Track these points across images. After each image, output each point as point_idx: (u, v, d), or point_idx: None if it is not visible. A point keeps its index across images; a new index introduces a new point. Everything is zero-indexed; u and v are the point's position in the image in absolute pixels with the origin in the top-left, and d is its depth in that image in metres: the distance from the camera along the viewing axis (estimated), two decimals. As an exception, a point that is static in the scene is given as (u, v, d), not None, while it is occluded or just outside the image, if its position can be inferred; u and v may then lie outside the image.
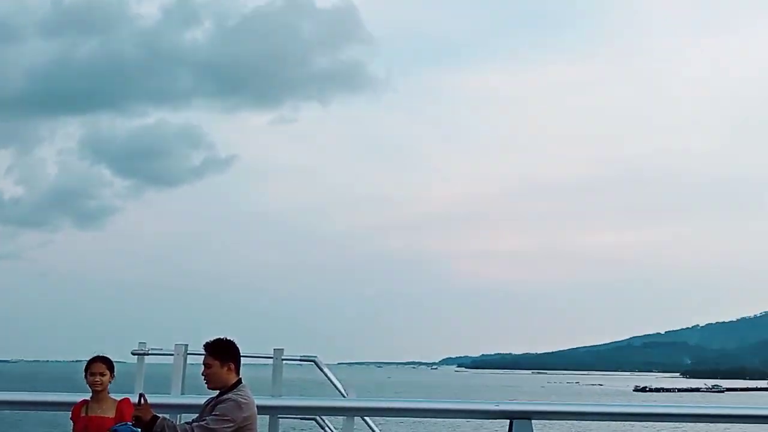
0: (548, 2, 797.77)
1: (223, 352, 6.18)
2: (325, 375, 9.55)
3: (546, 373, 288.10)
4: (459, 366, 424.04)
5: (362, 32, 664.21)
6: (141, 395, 6.09)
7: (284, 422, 9.41)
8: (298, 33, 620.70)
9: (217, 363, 6.12)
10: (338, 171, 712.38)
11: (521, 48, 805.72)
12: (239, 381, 6.17)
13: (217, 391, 6.19)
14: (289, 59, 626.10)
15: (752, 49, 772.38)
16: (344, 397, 9.22)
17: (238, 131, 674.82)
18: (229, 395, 6.05)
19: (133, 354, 9.25)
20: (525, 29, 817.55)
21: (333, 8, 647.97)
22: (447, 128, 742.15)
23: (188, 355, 9.08)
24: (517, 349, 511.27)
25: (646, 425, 38.40)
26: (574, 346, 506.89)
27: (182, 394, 8.69)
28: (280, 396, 8.81)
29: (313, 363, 9.66)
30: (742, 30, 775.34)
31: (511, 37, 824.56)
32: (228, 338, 6.29)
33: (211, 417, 5.94)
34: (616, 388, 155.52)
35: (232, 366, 6.16)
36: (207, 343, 6.24)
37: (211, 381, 6.16)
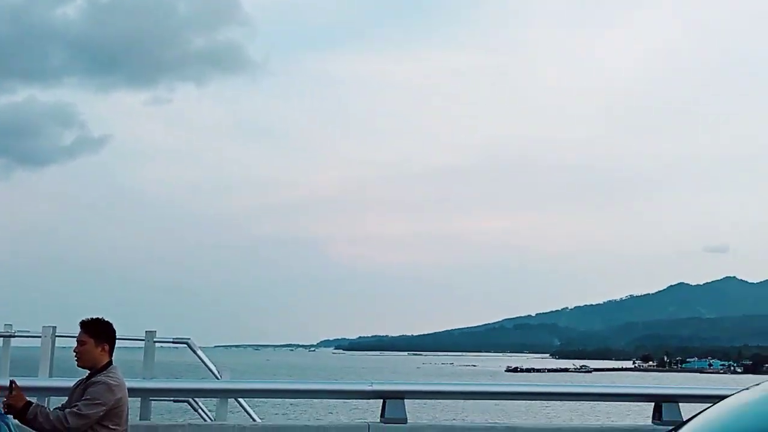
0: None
1: (99, 331, 6.06)
2: (199, 357, 9.48)
3: (422, 355, 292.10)
4: (336, 348, 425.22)
5: (241, 14, 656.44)
6: (12, 382, 5.89)
7: (157, 405, 9.31)
8: (175, 12, 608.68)
9: (92, 341, 5.99)
10: (215, 153, 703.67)
11: (398, 35, 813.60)
12: (110, 363, 6.07)
13: (87, 373, 6.08)
14: (165, 39, 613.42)
15: (622, 42, 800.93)
16: (218, 379, 9.19)
17: (112, 111, 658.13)
18: (99, 377, 5.94)
19: (-1, 336, 8.98)
20: (402, 17, 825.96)
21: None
22: (325, 113, 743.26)
23: (57, 338, 8.86)
24: (394, 332, 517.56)
25: (517, 404, 39.61)
26: (449, 328, 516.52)
27: (50, 377, 8.49)
28: (152, 378, 8.71)
29: (186, 345, 9.58)
30: (612, 23, 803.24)
31: (388, 25, 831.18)
32: (106, 319, 6.18)
33: (82, 402, 5.82)
34: (488, 369, 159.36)
35: (106, 347, 6.04)
36: (84, 320, 6.11)
37: (81, 359, 6.02)
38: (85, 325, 6.09)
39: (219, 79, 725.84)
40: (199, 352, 9.51)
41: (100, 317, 6.18)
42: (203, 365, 9.44)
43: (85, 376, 6.09)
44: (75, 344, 6.07)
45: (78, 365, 6.10)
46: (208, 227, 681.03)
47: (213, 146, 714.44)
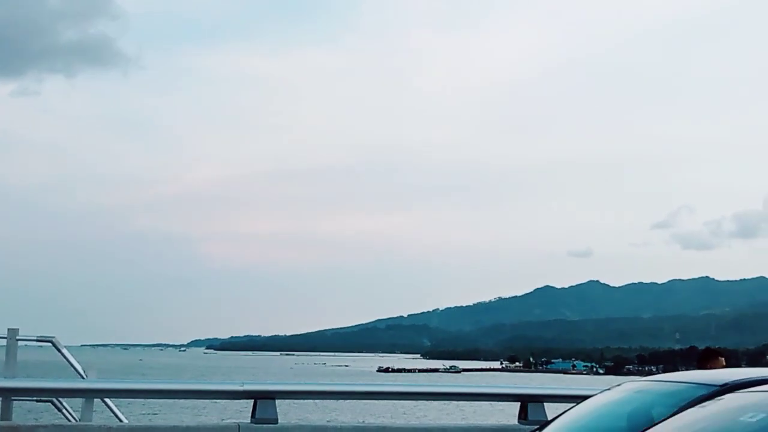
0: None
1: None
2: (63, 356, 9.23)
3: (294, 355, 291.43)
4: (208, 348, 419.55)
5: (113, 6, 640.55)
6: None
7: (19, 405, 9.01)
8: (44, 2, 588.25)
9: None
10: (84, 147, 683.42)
11: (277, 31, 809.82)
12: None
13: None
14: (33, 29, 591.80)
15: (497, 45, 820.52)
16: (83, 378, 8.96)
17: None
18: None
19: None
20: (281, 13, 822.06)
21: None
22: (203, 109, 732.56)
23: None
24: (266, 332, 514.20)
25: (387, 404, 40.05)
26: (322, 329, 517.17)
27: None
28: (14, 377, 8.42)
29: (50, 344, 9.30)
30: (485, 26, 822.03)
31: (267, 21, 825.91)
32: None
33: None
34: (361, 369, 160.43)
35: None
36: None
37: None
38: None
39: (90, 72, 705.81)
40: (64, 351, 9.25)
41: None
42: (68, 364, 9.19)
43: None
44: None
45: None
46: (77, 222, 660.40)
47: (84, 140, 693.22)
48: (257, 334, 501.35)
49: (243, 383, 8.24)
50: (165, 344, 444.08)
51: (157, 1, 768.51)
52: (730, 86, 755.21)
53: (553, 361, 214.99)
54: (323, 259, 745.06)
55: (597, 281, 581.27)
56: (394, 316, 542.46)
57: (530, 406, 8.91)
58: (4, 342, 8.75)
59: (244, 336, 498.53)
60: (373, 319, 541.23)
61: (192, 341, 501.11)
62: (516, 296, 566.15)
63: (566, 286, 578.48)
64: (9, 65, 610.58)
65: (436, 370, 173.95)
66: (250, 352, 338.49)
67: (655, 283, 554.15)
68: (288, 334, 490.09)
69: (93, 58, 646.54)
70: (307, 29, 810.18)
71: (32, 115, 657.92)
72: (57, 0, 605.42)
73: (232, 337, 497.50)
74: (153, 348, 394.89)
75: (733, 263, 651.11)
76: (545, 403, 8.94)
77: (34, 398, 9.44)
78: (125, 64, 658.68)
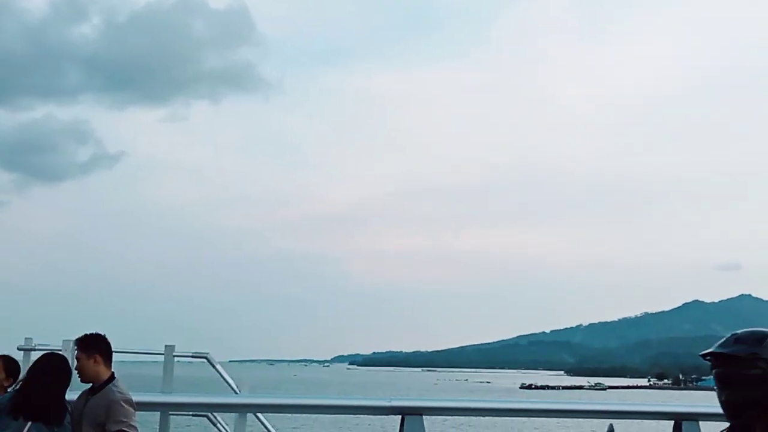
0: (439, 7, 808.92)
1: (88, 344, 6.18)
2: (218, 371, 9.47)
3: (436, 371, 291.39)
4: (351, 363, 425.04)
5: (254, 33, 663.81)
6: None
7: (176, 419, 9.30)
8: (190, 32, 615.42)
9: (83, 356, 6.13)
10: (230, 170, 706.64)
11: (412, 51, 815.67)
12: (113, 376, 6.16)
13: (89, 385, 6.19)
14: (180, 57, 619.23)
15: (637, 57, 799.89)
16: (237, 393, 9.17)
17: (128, 128, 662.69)
18: (114, 396, 6.02)
19: (19, 350, 8.99)
20: (416, 33, 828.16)
21: (226, 9, 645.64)
22: (339, 129, 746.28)
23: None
24: (408, 347, 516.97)
25: (531, 421, 39.38)
26: (463, 345, 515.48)
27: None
28: (171, 392, 8.70)
29: (205, 360, 9.56)
30: (627, 38, 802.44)
31: (402, 40, 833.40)
32: (97, 332, 6.27)
33: (123, 424, 5.94)
34: (503, 386, 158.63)
35: (98, 358, 6.14)
36: (77, 338, 6.26)
37: (80, 374, 6.15)
38: (77, 341, 6.28)
39: (233, 97, 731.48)
40: (218, 367, 9.49)
41: (93, 332, 6.30)
42: (222, 380, 9.42)
43: (88, 389, 6.18)
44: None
45: (80, 380, 6.21)
46: (224, 242, 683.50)
47: (228, 162, 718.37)
48: (399, 350, 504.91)
49: (391, 399, 8.24)
50: (309, 360, 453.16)
51: (295, 26, 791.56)
52: None
53: (703, 378, 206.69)
54: (464, 276, 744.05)
55: (749, 295, 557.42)
56: (537, 332, 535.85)
57: (684, 425, 8.55)
58: (161, 358, 9.04)
59: (386, 352, 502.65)
60: (515, 335, 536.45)
61: (335, 357, 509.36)
62: (663, 311, 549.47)
63: (716, 301, 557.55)
64: (158, 93, 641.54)
65: (581, 387, 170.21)
66: (392, 368, 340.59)
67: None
68: (430, 350, 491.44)
69: (236, 84, 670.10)
70: (438, 45, 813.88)
71: (179, 139, 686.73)
72: (202, 29, 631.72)
73: (374, 352, 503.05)
74: (298, 363, 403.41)
75: None
76: (700, 422, 8.57)
77: (190, 413, 9.73)
78: (266, 88, 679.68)
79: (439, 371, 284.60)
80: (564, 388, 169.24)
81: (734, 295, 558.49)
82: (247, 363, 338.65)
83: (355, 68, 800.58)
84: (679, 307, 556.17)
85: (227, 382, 9.33)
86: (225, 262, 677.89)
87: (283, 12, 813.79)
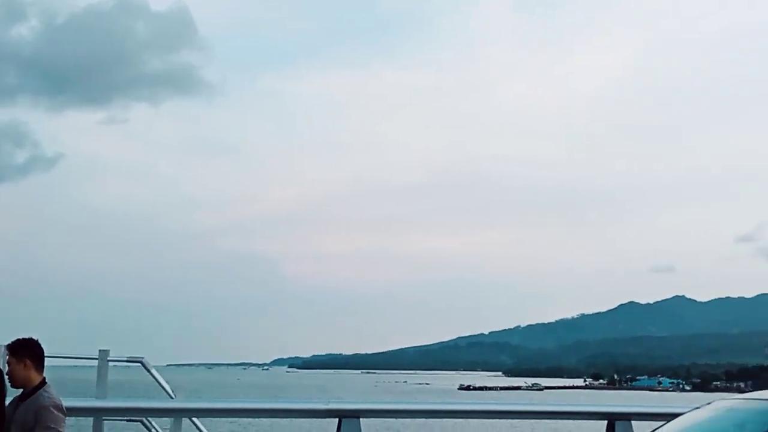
0: (384, 11, 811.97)
1: (18, 349, 6.12)
2: (153, 376, 9.39)
3: (376, 373, 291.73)
4: (290, 366, 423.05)
5: (196, 36, 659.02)
6: None
7: (109, 425, 9.20)
8: (130, 34, 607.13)
9: (13, 360, 6.06)
10: (170, 172, 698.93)
11: (355, 53, 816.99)
12: (44, 381, 6.10)
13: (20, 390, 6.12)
14: (120, 59, 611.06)
15: (579, 62, 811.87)
16: (172, 398, 9.11)
17: (66, 130, 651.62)
18: (44, 400, 5.95)
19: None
20: (360, 35, 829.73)
21: (167, 11, 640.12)
22: (281, 131, 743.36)
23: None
24: (348, 350, 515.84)
25: (468, 422, 39.65)
26: (404, 346, 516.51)
27: None
28: (105, 398, 8.61)
29: (140, 364, 9.48)
30: (573, 46, 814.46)
31: (345, 43, 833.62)
32: (29, 337, 6.20)
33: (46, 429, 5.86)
34: (442, 387, 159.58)
35: (28, 362, 6.07)
36: (8, 343, 6.19)
37: (10, 379, 6.07)
38: (7, 346, 6.21)
39: (174, 100, 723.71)
40: (153, 371, 9.42)
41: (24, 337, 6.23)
42: (157, 384, 9.35)
43: (19, 395, 6.11)
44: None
45: (11, 386, 6.14)
46: (164, 245, 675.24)
47: (170, 164, 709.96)
48: (339, 353, 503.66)
49: (328, 401, 8.28)
50: (248, 363, 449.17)
51: (238, 29, 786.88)
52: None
53: (638, 378, 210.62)
54: (404, 278, 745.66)
55: (683, 296, 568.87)
56: (476, 333, 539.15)
57: (617, 425, 8.73)
58: (95, 363, 8.95)
59: (326, 354, 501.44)
60: (454, 337, 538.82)
61: (275, 360, 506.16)
62: (599, 312, 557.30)
63: (651, 302, 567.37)
64: (97, 95, 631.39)
65: (518, 388, 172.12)
66: (331, 371, 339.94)
67: (743, 298, 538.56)
68: (369, 352, 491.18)
69: (177, 86, 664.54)
70: (382, 49, 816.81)
71: (119, 142, 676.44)
72: (143, 32, 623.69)
73: (314, 355, 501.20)
74: (237, 367, 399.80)
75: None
76: (633, 421, 8.76)
77: (125, 418, 9.64)
78: (208, 90, 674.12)
79: (379, 373, 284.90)
80: (502, 388, 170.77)
81: (668, 296, 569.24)
82: (185, 367, 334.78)
83: (297, 70, 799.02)
84: (615, 308, 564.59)
85: (162, 386, 9.26)
86: (164, 265, 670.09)
87: (227, 15, 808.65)
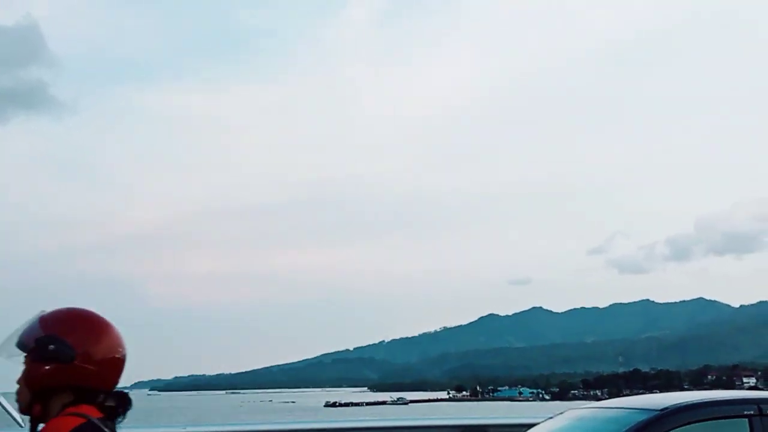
0: (244, 27, 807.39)
1: None
2: (2, 406, 8.98)
3: (241, 393, 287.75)
4: (152, 389, 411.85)
5: (46, 52, 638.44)
6: None
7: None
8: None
9: None
10: (17, 192, 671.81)
11: (216, 70, 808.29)
12: None
13: None
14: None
15: (433, 76, 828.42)
16: (21, 426, 8.73)
17: None
18: None
19: None
20: (220, 52, 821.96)
21: (15, 26, 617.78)
22: (139, 149, 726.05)
23: None
24: (211, 371, 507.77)
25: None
26: (268, 365, 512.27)
27: None
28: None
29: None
30: (423, 58, 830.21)
31: (205, 59, 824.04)
32: None
33: None
34: (307, 404, 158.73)
35: None
36: None
37: None
38: None
39: (22, 117, 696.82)
40: (1, 399, 9.00)
41: None
42: (5, 412, 8.94)
43: None
44: None
45: None
46: (15, 268, 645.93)
47: (17, 185, 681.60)
48: (202, 374, 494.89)
49: (185, 426, 8.11)
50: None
51: (91, 45, 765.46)
52: (658, 113, 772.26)
53: (499, 389, 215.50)
54: (267, 296, 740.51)
55: (540, 308, 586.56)
56: (341, 349, 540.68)
57: (474, 437, 8.87)
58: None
59: (189, 376, 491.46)
60: (319, 354, 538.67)
61: (135, 383, 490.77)
62: (461, 325, 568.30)
63: (510, 314, 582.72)
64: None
65: (383, 403, 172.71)
66: (195, 392, 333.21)
67: (597, 308, 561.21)
68: (233, 372, 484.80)
69: (26, 103, 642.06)
70: (240, 67, 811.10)
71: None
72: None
73: (176, 377, 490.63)
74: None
75: (671, 286, 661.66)
76: (490, 434, 8.91)
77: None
78: (59, 107, 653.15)
79: (244, 393, 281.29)
80: (368, 404, 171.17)
81: (526, 308, 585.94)
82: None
83: (154, 87, 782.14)
84: (476, 320, 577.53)
85: (10, 414, 8.87)
86: (15, 289, 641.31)
87: (79, 31, 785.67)
